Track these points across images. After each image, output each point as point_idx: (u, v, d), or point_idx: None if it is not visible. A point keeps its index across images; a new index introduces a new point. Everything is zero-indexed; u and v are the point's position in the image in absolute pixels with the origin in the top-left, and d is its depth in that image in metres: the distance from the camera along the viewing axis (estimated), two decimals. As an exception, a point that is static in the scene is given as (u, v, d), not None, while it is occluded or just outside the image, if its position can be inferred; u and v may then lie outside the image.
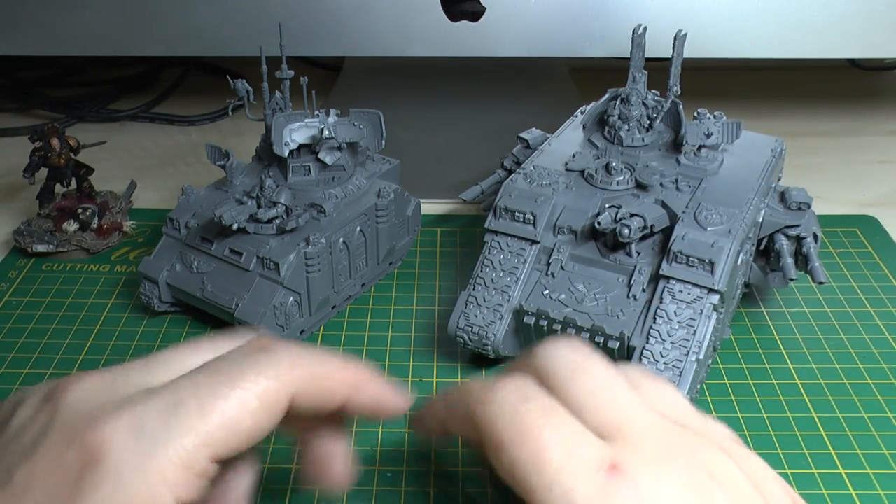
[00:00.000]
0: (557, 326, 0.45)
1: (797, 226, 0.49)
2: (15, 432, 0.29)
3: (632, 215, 0.45)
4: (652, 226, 0.45)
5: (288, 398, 0.29)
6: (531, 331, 0.46)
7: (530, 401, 0.28)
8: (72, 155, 0.61)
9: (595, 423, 0.28)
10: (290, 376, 0.30)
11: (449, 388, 0.34)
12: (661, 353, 0.42)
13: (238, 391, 0.28)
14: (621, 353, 0.44)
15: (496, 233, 0.48)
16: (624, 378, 0.30)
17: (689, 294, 0.43)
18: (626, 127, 0.52)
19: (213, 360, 0.30)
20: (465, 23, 0.63)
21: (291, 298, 0.48)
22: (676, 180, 0.49)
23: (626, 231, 0.44)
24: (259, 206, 0.49)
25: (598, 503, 0.26)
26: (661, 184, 0.48)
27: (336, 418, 0.34)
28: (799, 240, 0.49)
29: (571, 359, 0.30)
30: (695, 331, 0.43)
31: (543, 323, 0.45)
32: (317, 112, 0.51)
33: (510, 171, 0.57)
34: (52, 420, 0.28)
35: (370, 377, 0.33)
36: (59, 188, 0.62)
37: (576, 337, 0.30)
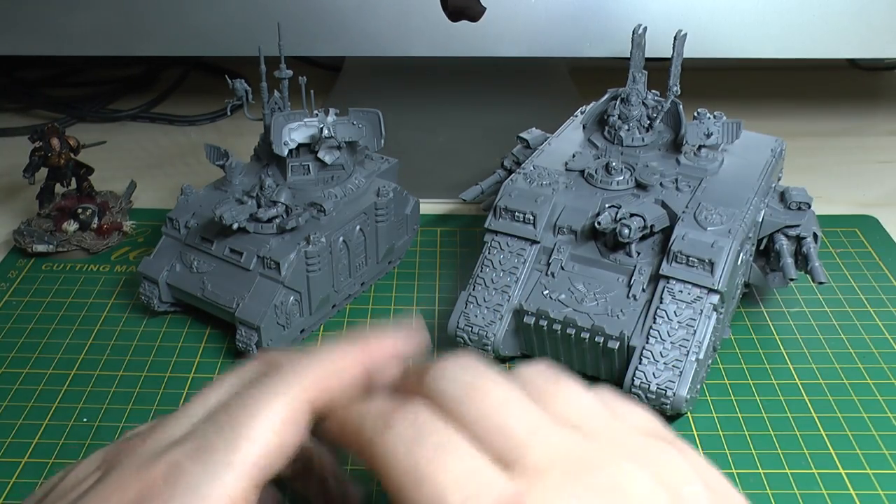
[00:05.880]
0: (557, 326, 0.45)
1: (797, 226, 0.49)
2: (65, 490, 0.29)
3: (632, 215, 0.45)
4: (652, 226, 0.45)
5: (306, 404, 0.29)
6: (531, 331, 0.46)
7: (424, 437, 0.26)
8: (72, 155, 0.61)
9: (494, 449, 0.25)
10: (299, 385, 0.29)
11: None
12: (660, 353, 0.42)
13: (257, 417, 0.28)
14: (621, 353, 0.44)
15: (496, 233, 0.48)
16: (521, 392, 0.27)
17: (689, 294, 0.43)
18: (626, 127, 0.52)
19: (227, 397, 0.30)
20: (465, 23, 0.63)
21: (292, 297, 0.48)
22: (676, 180, 0.49)
23: (626, 231, 0.44)
24: (259, 206, 0.49)
25: None
26: (661, 184, 0.48)
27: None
28: (799, 240, 0.49)
29: (463, 379, 0.27)
30: (695, 331, 0.43)
31: (543, 323, 0.45)
32: (316, 111, 0.51)
33: (510, 171, 0.56)
34: (103, 476, 0.28)
35: (374, 342, 0.31)
36: (59, 188, 0.62)
37: (468, 354, 0.28)
